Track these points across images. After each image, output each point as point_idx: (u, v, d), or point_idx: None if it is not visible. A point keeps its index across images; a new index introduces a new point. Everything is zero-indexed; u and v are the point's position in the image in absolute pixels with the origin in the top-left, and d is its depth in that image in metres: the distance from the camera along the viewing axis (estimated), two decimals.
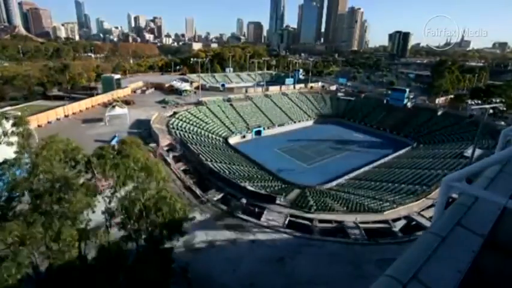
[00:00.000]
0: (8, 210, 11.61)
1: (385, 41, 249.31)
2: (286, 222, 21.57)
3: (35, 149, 13.43)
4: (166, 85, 69.63)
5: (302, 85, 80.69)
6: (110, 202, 13.75)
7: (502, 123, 46.18)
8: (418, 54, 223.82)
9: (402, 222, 22.44)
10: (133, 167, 13.27)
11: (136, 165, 13.40)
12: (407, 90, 67.86)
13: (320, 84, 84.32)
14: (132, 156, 13.71)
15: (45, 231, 10.26)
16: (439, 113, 56.26)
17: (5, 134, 14.05)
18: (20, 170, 12.57)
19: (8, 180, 11.97)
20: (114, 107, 45.20)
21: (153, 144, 34.89)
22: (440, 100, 65.81)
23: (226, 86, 79.17)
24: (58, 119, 43.03)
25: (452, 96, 68.76)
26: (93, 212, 12.78)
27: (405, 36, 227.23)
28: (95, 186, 13.92)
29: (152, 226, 12.50)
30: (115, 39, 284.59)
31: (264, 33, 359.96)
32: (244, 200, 24.20)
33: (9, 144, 14.00)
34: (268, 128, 55.86)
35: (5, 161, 12.46)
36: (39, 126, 38.16)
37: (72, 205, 11.58)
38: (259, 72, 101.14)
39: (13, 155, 13.01)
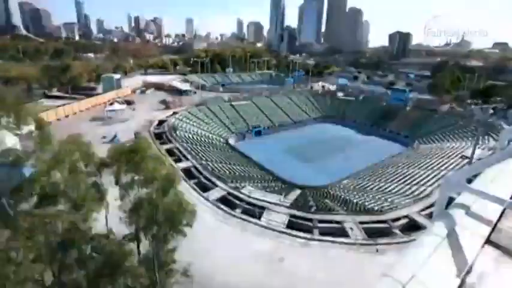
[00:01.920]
0: (16, 209, 11.64)
1: (385, 41, 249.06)
2: (286, 222, 21.58)
3: (50, 147, 13.46)
4: (167, 85, 69.69)
5: (302, 85, 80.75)
6: (122, 199, 13.69)
7: (502, 123, 46.16)
8: (418, 55, 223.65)
9: (402, 222, 22.43)
10: (156, 167, 13.19)
11: (157, 165, 13.34)
12: (407, 90, 67.96)
13: (320, 84, 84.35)
14: (150, 156, 13.67)
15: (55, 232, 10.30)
16: (439, 113, 56.24)
17: (31, 134, 14.15)
18: (32, 168, 12.62)
19: (20, 178, 12.00)
20: (112, 103, 45.47)
21: (154, 144, 34.90)
22: (440, 100, 65.76)
23: (227, 86, 79.27)
24: (58, 119, 43.05)
25: (452, 96, 68.75)
26: (98, 213, 12.86)
27: (405, 36, 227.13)
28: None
29: (159, 226, 12.51)
30: (115, 39, 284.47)
31: (264, 33, 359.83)
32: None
33: (30, 141, 14.09)
34: (268, 128, 55.88)
35: (19, 159, 12.49)
36: None
37: (82, 206, 11.65)
38: (260, 72, 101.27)
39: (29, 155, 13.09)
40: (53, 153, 12.66)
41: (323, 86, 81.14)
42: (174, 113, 49.75)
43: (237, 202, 24.63)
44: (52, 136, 14.23)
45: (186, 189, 25.43)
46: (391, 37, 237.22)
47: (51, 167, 11.97)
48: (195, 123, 49.04)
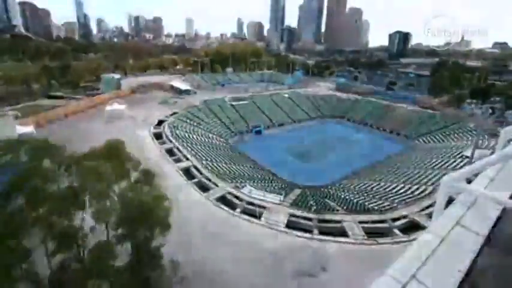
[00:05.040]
0: (5, 208, 11.65)
1: (385, 41, 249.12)
2: (286, 222, 21.59)
3: (32, 150, 13.52)
4: (167, 85, 69.68)
5: (302, 85, 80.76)
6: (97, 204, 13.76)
7: (499, 128, 46.16)
8: (418, 54, 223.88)
9: (402, 222, 22.43)
10: (127, 166, 13.33)
11: (130, 164, 13.49)
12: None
13: (320, 84, 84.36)
14: (124, 156, 13.79)
15: (41, 229, 10.32)
16: (439, 113, 56.26)
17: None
18: (16, 169, 12.66)
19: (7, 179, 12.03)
20: (112, 103, 45.57)
21: (154, 144, 35.02)
22: (440, 100, 65.78)
23: (227, 85, 79.26)
24: (58, 119, 43.06)
25: (452, 95, 68.72)
26: (85, 213, 12.85)
27: (405, 36, 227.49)
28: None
29: (144, 225, 12.53)
30: (115, 39, 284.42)
31: (264, 33, 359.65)
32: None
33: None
34: (268, 127, 55.88)
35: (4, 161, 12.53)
36: (39, 126, 38.15)
37: (66, 205, 11.67)
38: (260, 72, 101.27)
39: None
40: (30, 155, 12.81)
41: (323, 86, 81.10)
42: (174, 113, 49.75)
43: (237, 202, 24.64)
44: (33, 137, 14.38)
45: (186, 189, 25.52)
46: (391, 37, 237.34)
47: (30, 168, 12.09)
48: (195, 123, 49.05)
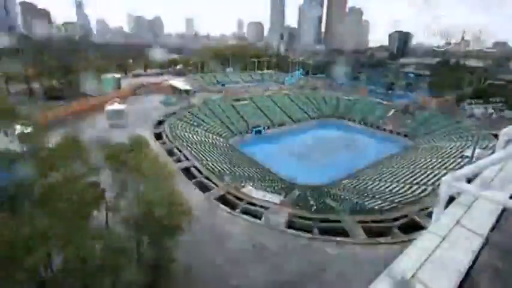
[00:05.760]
0: (16, 207, 11.62)
1: (385, 41, 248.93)
2: (286, 222, 21.58)
3: (46, 147, 13.50)
4: (167, 85, 69.63)
5: (302, 85, 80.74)
6: (117, 199, 13.74)
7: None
8: (418, 54, 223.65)
9: (402, 222, 22.41)
10: (142, 164, 13.28)
11: (145, 162, 13.44)
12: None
13: (320, 84, 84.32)
14: (141, 153, 13.78)
15: (53, 229, 10.29)
16: (439, 113, 56.24)
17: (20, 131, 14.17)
18: (31, 167, 12.62)
19: (19, 176, 11.98)
20: (112, 103, 45.55)
21: (154, 144, 34.95)
22: (440, 100, 65.73)
23: (227, 85, 79.20)
24: (58, 119, 42.99)
25: (452, 96, 68.68)
26: (98, 211, 12.88)
27: (405, 36, 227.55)
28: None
29: (156, 223, 12.53)
30: (115, 39, 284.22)
31: (264, 33, 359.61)
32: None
33: (23, 141, 14.07)
34: (268, 127, 55.86)
35: (17, 157, 12.50)
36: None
37: (81, 203, 11.66)
38: (260, 72, 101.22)
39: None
40: (47, 154, 12.72)
41: (323, 86, 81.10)
42: (174, 112, 49.75)
43: (237, 202, 24.64)
44: (47, 137, 14.26)
45: (186, 189, 25.48)
46: (391, 37, 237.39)
47: (47, 167, 12.03)
48: (195, 123, 49.04)
